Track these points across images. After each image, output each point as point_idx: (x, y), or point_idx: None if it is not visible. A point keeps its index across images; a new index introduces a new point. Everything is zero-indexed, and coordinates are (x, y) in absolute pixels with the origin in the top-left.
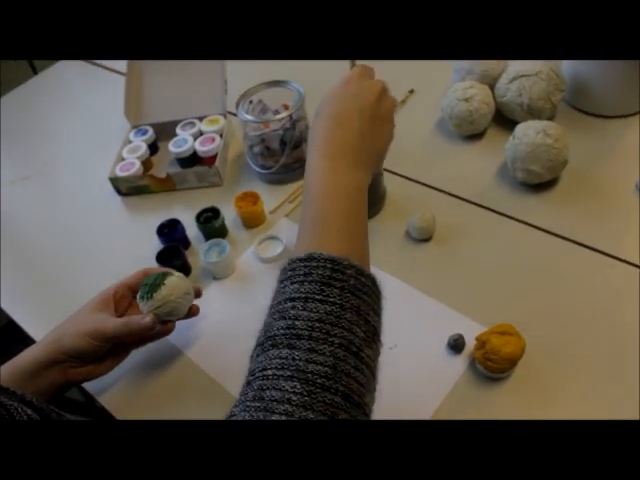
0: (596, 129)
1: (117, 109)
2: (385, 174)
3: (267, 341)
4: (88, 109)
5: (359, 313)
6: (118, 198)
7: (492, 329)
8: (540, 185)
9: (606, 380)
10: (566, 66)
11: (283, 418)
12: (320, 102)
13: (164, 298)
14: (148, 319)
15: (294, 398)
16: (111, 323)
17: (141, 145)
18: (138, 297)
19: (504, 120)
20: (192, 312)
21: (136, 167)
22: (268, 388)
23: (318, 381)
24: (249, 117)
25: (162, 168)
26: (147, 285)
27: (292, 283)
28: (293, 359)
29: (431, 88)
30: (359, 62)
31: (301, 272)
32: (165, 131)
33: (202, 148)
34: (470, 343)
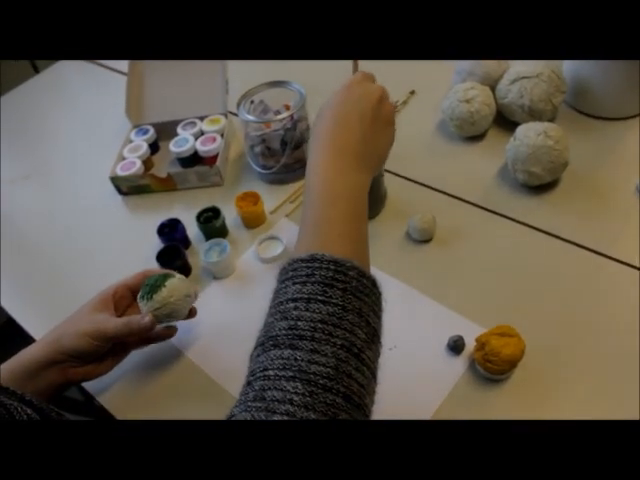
0: (597, 131)
1: (118, 108)
2: (386, 175)
3: (268, 341)
4: (89, 108)
5: (361, 315)
6: (119, 197)
7: (492, 330)
8: (540, 187)
9: (606, 382)
10: (567, 68)
11: (285, 418)
12: (321, 106)
13: (164, 300)
14: (147, 319)
15: (296, 398)
16: (112, 323)
17: (142, 144)
18: (138, 297)
19: (505, 121)
20: (192, 314)
21: (137, 166)
22: (269, 388)
23: (320, 382)
24: (250, 117)
25: (163, 168)
26: (148, 285)
27: (294, 283)
28: (295, 360)
29: (432, 89)
30: (361, 62)
31: (303, 273)
32: (166, 131)
33: (203, 148)
34: (470, 344)
